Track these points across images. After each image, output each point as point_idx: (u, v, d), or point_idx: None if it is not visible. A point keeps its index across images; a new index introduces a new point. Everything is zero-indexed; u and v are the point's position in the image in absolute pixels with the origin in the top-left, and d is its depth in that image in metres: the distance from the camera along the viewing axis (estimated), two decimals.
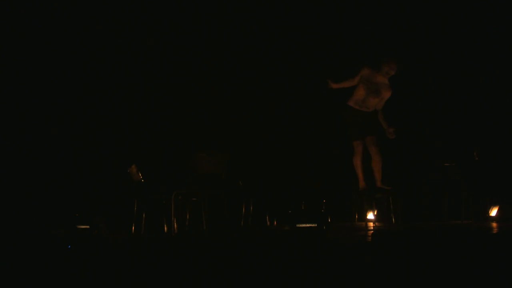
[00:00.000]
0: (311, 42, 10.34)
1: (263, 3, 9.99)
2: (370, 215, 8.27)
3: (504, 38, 9.04)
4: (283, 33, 10.65)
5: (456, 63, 9.32)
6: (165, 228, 6.98)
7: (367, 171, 6.81)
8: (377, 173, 6.62)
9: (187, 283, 3.94)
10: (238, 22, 9.66)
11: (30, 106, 8.49)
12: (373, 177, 6.80)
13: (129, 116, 9.80)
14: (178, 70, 10.11)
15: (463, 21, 9.37)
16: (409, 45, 9.59)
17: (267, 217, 8.98)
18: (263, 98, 10.55)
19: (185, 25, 9.99)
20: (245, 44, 10.34)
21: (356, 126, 6.56)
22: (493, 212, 7.71)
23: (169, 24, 9.91)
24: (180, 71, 10.11)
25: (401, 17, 9.71)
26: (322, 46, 10.34)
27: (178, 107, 10.05)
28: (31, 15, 8.56)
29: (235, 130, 10.33)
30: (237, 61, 10.40)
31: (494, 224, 7.20)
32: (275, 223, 8.93)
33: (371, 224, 7.86)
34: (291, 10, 10.40)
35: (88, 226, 6.03)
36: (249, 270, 4.09)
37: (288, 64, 10.74)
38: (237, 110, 10.43)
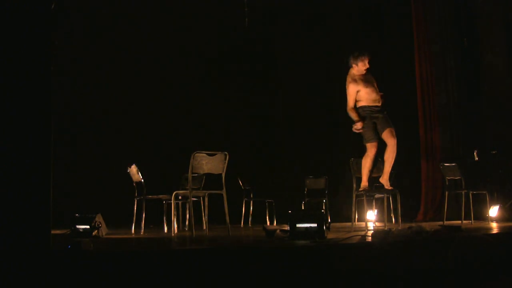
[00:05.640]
0: (311, 40, 10.36)
1: (263, 3, 9.99)
2: (370, 215, 8.27)
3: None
4: (283, 33, 10.66)
5: (456, 63, 9.32)
6: (165, 228, 6.98)
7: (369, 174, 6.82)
8: (387, 164, 6.62)
9: (187, 283, 3.94)
10: (238, 22, 9.66)
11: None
12: (379, 172, 6.80)
13: (129, 116, 9.81)
14: (178, 70, 10.12)
15: (463, 20, 9.37)
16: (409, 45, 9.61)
17: (267, 217, 8.99)
18: (263, 98, 10.56)
19: (186, 25, 10.00)
20: (245, 44, 10.36)
21: (372, 129, 6.59)
22: (493, 212, 7.71)
23: (168, 24, 9.92)
24: (180, 71, 10.12)
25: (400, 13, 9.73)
26: (322, 46, 10.35)
27: (178, 107, 10.06)
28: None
29: (235, 130, 10.34)
30: (237, 61, 10.41)
31: (494, 224, 7.19)
32: (275, 223, 8.93)
33: (371, 224, 7.86)
34: (290, 10, 10.41)
35: (88, 226, 6.04)
36: (249, 270, 4.09)
37: (288, 64, 10.75)
38: (237, 110, 10.44)
